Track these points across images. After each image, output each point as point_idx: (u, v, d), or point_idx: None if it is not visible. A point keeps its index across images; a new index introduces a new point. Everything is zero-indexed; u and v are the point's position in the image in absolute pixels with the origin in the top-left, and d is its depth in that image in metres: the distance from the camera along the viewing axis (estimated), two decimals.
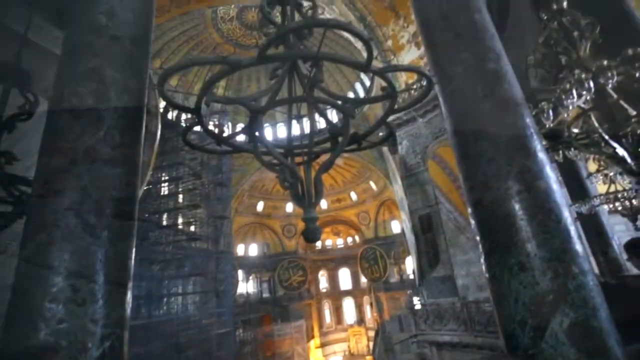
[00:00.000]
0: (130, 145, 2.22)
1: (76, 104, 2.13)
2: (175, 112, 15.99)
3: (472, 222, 2.40)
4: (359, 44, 12.64)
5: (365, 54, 1.54)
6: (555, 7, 3.28)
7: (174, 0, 12.95)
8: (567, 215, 2.03)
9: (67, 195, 1.92)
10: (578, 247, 1.97)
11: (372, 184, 24.59)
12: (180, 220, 15.10)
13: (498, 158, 2.19)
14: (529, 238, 1.97)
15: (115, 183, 2.06)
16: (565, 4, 3.27)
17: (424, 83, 1.72)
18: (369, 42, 1.46)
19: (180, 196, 15.13)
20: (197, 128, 1.99)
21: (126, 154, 2.17)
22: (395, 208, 20.17)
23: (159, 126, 4.92)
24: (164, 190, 14.57)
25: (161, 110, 9.95)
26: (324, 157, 2.34)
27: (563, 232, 1.96)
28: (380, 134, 2.69)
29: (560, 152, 3.48)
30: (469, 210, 2.41)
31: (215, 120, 17.32)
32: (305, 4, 2.24)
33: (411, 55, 11.41)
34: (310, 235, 1.71)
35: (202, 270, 14.81)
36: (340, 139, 2.05)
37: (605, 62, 2.37)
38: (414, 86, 10.73)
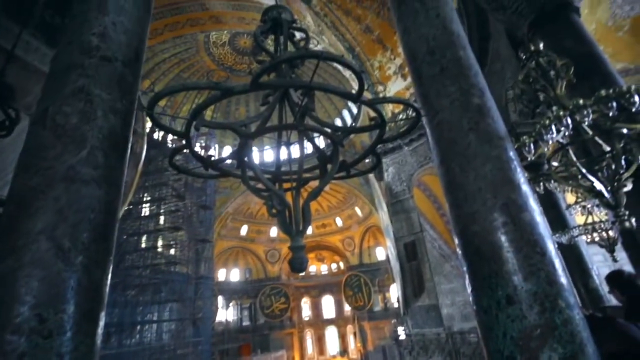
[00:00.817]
0: (113, 166, 2.16)
1: (60, 122, 2.07)
2: (162, 132, 15.86)
3: (459, 252, 2.40)
4: (347, 73, 13.06)
5: (354, 84, 1.58)
6: (532, 48, 3.49)
7: (168, 24, 13.19)
8: (552, 248, 2.06)
9: (41, 218, 1.83)
10: (563, 280, 1.98)
11: (357, 209, 24.63)
12: (160, 243, 14.60)
13: (484, 190, 2.23)
14: (516, 270, 1.97)
15: (95, 205, 1.98)
16: (541, 45, 3.48)
17: (410, 112, 1.76)
18: (361, 74, 1.50)
19: (162, 218, 14.71)
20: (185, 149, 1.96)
21: (109, 175, 2.10)
22: (380, 234, 20.15)
23: (145, 147, 4.84)
24: (145, 211, 14.15)
25: (147, 130, 9.85)
26: (312, 183, 2.33)
27: (548, 265, 1.98)
28: (367, 160, 2.72)
29: (541, 184, 3.59)
30: (456, 240, 2.42)
31: (202, 141, 17.26)
32: (298, 34, 2.31)
33: (397, 85, 11.82)
34: (297, 264, 1.66)
35: (180, 296, 14.18)
36: (329, 166, 2.05)
37: (581, 101, 2.50)
38: (401, 115, 11.04)
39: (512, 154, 2.42)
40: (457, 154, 2.42)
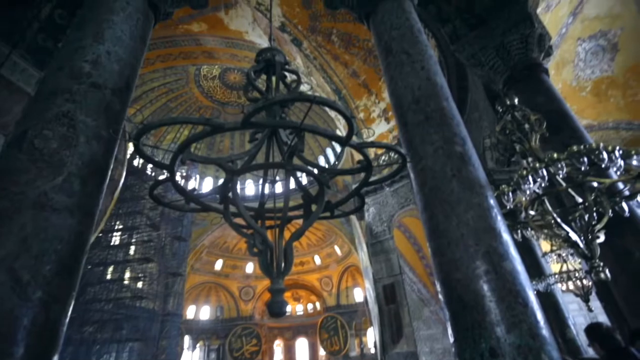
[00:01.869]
0: (89, 194, 2.06)
1: (38, 146, 1.99)
2: (142, 160, 15.54)
3: (441, 299, 2.36)
4: (333, 113, 13.48)
5: (339, 124, 1.61)
6: (508, 102, 3.73)
7: (160, 55, 13.42)
8: (534, 299, 2.05)
9: (3, 246, 1.68)
10: (545, 332, 1.96)
11: (336, 248, 24.29)
12: (127, 275, 13.74)
13: (466, 236, 2.25)
14: (499, 321, 1.94)
15: (64, 235, 1.85)
16: (516, 100, 3.74)
17: (393, 155, 1.79)
18: (352, 120, 1.53)
19: (133, 248, 13.99)
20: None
21: (84, 204, 1.99)
22: (359, 275, 19.80)
23: (124, 174, 4.70)
24: (115, 240, 13.44)
25: (128, 156, 9.64)
26: (294, 221, 2.29)
27: (531, 316, 1.96)
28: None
29: (519, 231, 3.68)
30: (438, 287, 2.39)
31: (183, 171, 17.00)
32: (289, 75, 2.38)
33: (381, 128, 12.25)
34: (277, 308, 1.57)
35: (143, 334, 13.14)
36: (313, 206, 2.03)
37: (555, 155, 2.64)
38: (383, 157, 11.32)
39: (492, 201, 2.48)
40: (441, 200, 2.46)
